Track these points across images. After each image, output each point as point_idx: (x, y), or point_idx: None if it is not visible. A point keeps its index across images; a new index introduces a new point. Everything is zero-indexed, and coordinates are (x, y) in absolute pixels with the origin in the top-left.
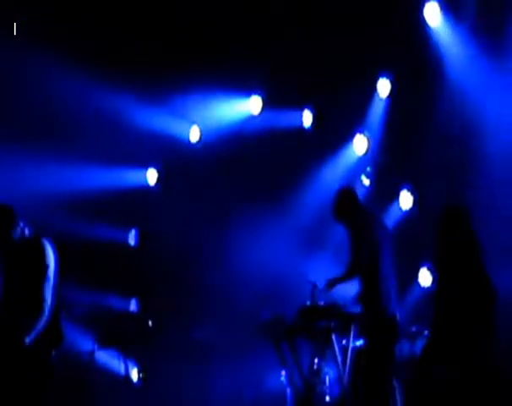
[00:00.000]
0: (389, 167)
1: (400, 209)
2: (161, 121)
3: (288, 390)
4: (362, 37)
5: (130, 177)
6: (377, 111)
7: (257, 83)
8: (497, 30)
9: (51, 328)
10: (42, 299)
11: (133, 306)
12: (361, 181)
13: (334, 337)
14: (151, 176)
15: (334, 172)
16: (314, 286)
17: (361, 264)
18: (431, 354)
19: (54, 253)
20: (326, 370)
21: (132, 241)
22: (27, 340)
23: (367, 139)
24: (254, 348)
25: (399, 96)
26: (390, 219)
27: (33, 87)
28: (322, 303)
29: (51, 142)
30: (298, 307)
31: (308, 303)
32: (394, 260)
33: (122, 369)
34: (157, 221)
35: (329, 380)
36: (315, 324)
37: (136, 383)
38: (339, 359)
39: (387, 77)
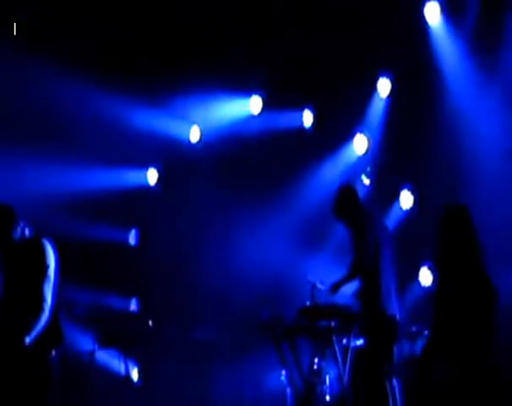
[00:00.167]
0: (390, 166)
1: (401, 208)
2: (161, 121)
3: (288, 390)
4: (362, 37)
5: (130, 177)
6: (377, 110)
7: (257, 83)
8: (496, 31)
9: (52, 328)
10: (42, 299)
11: (133, 306)
12: (361, 181)
13: (334, 336)
14: (151, 176)
15: (334, 172)
16: (314, 286)
17: (362, 263)
18: (431, 354)
19: (54, 253)
20: (326, 370)
21: (132, 241)
22: (27, 340)
23: (368, 138)
24: (254, 348)
25: (399, 96)
26: (391, 219)
27: (33, 89)
28: (322, 303)
29: (51, 143)
30: (298, 307)
31: (308, 303)
32: (394, 260)
33: (122, 369)
34: (157, 221)
35: (329, 380)
36: (315, 324)
37: (136, 383)
38: (339, 358)
39: (387, 77)
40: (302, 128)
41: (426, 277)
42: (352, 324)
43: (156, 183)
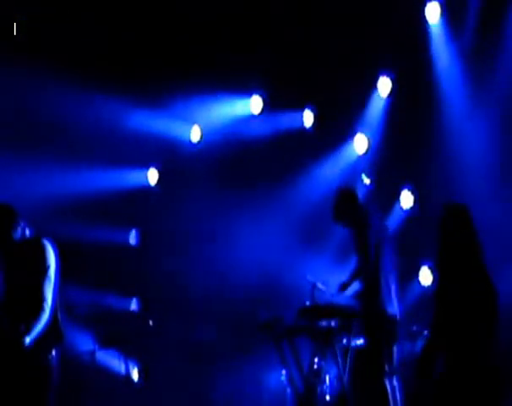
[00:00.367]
0: (390, 166)
1: (401, 208)
2: (162, 121)
3: (288, 390)
4: (362, 37)
5: (131, 177)
6: (377, 110)
7: (257, 83)
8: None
9: (52, 328)
10: (43, 299)
11: (133, 306)
12: (361, 180)
13: (334, 336)
14: (152, 176)
15: (334, 172)
16: (314, 286)
17: (368, 262)
18: (430, 354)
19: (55, 253)
20: (326, 370)
21: (132, 241)
22: (27, 340)
23: (368, 138)
24: (254, 348)
25: (399, 96)
26: (391, 218)
27: (33, 89)
28: (322, 303)
29: (51, 143)
30: (298, 307)
31: (308, 303)
32: (394, 260)
33: (122, 368)
34: (158, 221)
35: (329, 380)
36: (315, 324)
37: (136, 383)
38: (339, 358)
39: (387, 76)
40: (302, 127)
41: (426, 276)
42: (352, 324)
43: (157, 184)
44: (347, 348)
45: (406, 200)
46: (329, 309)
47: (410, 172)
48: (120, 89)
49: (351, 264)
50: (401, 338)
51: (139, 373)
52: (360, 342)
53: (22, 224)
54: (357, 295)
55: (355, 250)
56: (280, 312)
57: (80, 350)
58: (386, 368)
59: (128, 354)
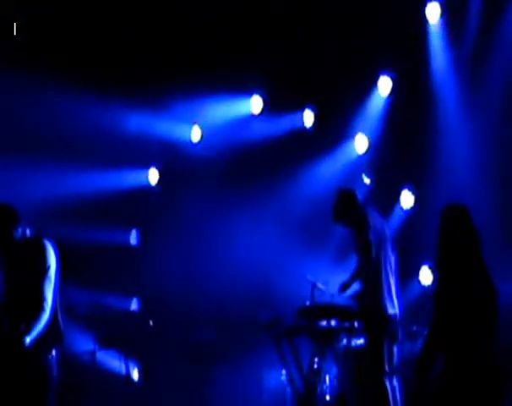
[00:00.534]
0: (390, 166)
1: (401, 208)
2: (162, 121)
3: (288, 390)
4: (362, 37)
5: (131, 177)
6: (377, 110)
7: (257, 83)
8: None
9: (52, 328)
10: (43, 299)
11: (133, 306)
12: (361, 180)
13: (334, 336)
14: (152, 176)
15: (334, 172)
16: (314, 286)
17: (368, 262)
18: (429, 354)
19: (55, 253)
20: (326, 370)
21: (133, 241)
22: (28, 340)
23: (368, 138)
24: (254, 348)
25: (399, 95)
26: (391, 218)
27: (34, 90)
28: (322, 302)
29: (52, 144)
30: (298, 307)
31: (308, 303)
32: (395, 260)
33: (122, 369)
34: (158, 221)
35: (329, 380)
36: (315, 324)
37: (137, 383)
38: (339, 358)
39: (388, 76)
40: (302, 127)
41: (426, 276)
42: (352, 324)
43: (157, 184)
44: (347, 347)
45: (407, 199)
46: (329, 309)
47: (410, 172)
48: (120, 89)
49: (352, 264)
50: (402, 338)
51: (139, 373)
52: (360, 341)
53: (22, 224)
54: (358, 295)
55: (355, 250)
56: (280, 312)
57: (80, 350)
58: (386, 368)
59: (128, 354)
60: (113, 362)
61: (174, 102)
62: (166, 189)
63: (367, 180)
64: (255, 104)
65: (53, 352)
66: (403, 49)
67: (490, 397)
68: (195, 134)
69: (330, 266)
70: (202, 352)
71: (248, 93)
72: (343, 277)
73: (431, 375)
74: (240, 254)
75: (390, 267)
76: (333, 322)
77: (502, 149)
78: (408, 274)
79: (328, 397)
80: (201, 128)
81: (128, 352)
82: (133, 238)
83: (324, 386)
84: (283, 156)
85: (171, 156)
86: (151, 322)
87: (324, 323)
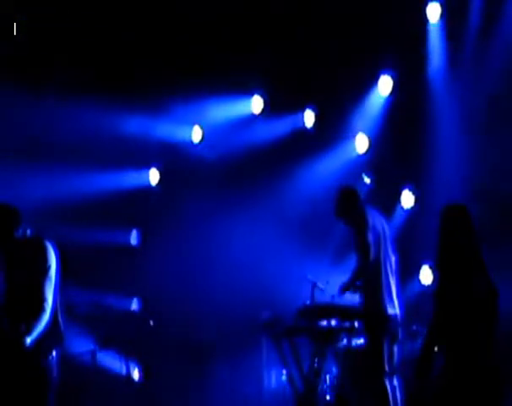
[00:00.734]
0: (391, 165)
1: (402, 208)
2: (163, 122)
3: (288, 390)
4: (362, 37)
5: (132, 177)
6: (378, 109)
7: (258, 83)
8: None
9: (52, 328)
10: (43, 300)
11: (134, 306)
12: (362, 180)
13: (334, 336)
14: (153, 176)
15: (335, 171)
16: (314, 286)
17: (368, 262)
18: (429, 354)
19: (55, 253)
20: (326, 370)
21: (133, 241)
22: (28, 340)
23: (368, 137)
24: (255, 348)
25: (400, 95)
26: (392, 218)
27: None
28: (322, 302)
29: (53, 145)
30: (298, 307)
31: (308, 303)
32: (395, 259)
33: (123, 369)
34: (159, 221)
35: (329, 379)
36: (315, 324)
37: (137, 383)
38: (339, 358)
39: (388, 75)
40: (303, 127)
41: (426, 275)
42: (352, 324)
43: (158, 184)
44: (347, 347)
45: (407, 199)
46: (330, 309)
47: (410, 172)
48: (121, 89)
49: (352, 264)
50: (402, 338)
51: (140, 373)
52: (360, 341)
53: (23, 224)
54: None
55: (355, 249)
56: (280, 312)
57: (80, 350)
58: (386, 368)
59: (128, 354)
60: (113, 362)
61: (174, 103)
62: (166, 189)
63: (367, 180)
64: (256, 104)
65: (53, 352)
66: (403, 49)
67: (490, 397)
68: (196, 135)
69: (330, 267)
70: (202, 352)
71: (249, 93)
72: (343, 277)
73: (431, 375)
74: (240, 254)
75: (391, 267)
76: (333, 322)
77: (502, 149)
78: (408, 274)
79: (328, 397)
80: (202, 128)
81: (129, 352)
82: (134, 239)
83: (324, 386)
84: (283, 156)
85: (171, 156)
86: (151, 322)
87: (324, 323)
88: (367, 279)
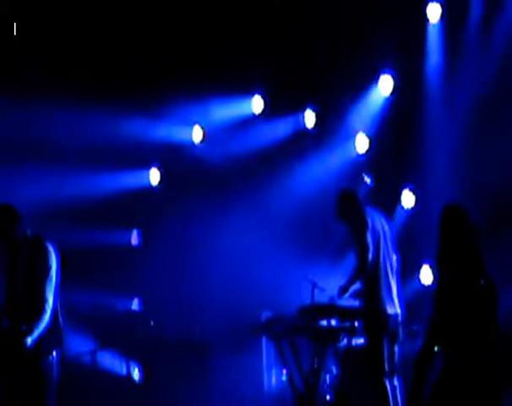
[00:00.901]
0: (391, 165)
1: (402, 207)
2: (164, 122)
3: (288, 389)
4: (362, 36)
5: (132, 177)
6: (378, 109)
7: (259, 83)
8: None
9: (53, 329)
10: (44, 300)
11: (135, 306)
12: (362, 179)
13: (334, 336)
14: (154, 177)
15: (335, 171)
16: (314, 285)
17: (367, 263)
18: (428, 354)
19: (56, 254)
20: (326, 369)
21: (134, 241)
22: (29, 341)
23: (369, 137)
24: (255, 348)
25: (400, 95)
26: (392, 218)
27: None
28: (322, 302)
29: (53, 145)
30: (298, 307)
31: (308, 303)
32: (397, 259)
33: (123, 369)
34: (159, 221)
35: (330, 379)
36: (315, 324)
37: (137, 383)
38: (339, 358)
39: (388, 75)
40: (303, 127)
41: (427, 275)
42: (353, 323)
43: (158, 184)
44: (347, 347)
45: (408, 199)
46: (330, 309)
47: (411, 172)
48: (121, 90)
49: (351, 264)
50: (402, 338)
51: (140, 373)
52: (360, 341)
53: (24, 225)
54: (358, 293)
55: (355, 250)
56: (280, 312)
57: (81, 350)
58: (386, 368)
59: (128, 354)
60: (113, 362)
61: (175, 103)
62: (167, 189)
63: (367, 180)
64: (256, 104)
65: (54, 352)
66: (403, 49)
67: (490, 397)
68: (196, 135)
69: (330, 267)
70: (202, 352)
71: (250, 93)
72: (343, 277)
73: (430, 374)
74: (240, 254)
75: (391, 267)
76: (333, 322)
77: (502, 148)
78: (409, 273)
79: (328, 397)
80: (202, 128)
81: (129, 352)
82: (134, 239)
83: (324, 386)
84: (284, 155)
85: (172, 156)
86: (152, 322)
87: (324, 323)
88: (367, 279)
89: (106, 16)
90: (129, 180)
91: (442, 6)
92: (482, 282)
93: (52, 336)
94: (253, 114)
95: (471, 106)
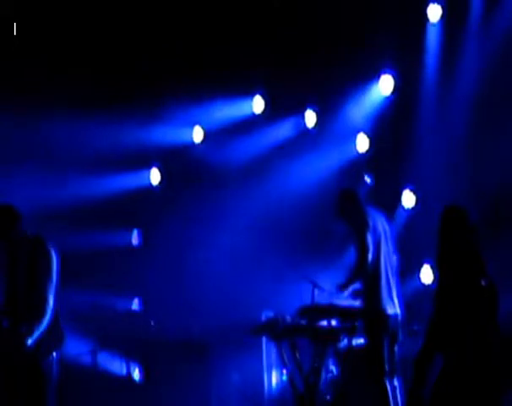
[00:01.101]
0: (392, 165)
1: (403, 207)
2: (164, 122)
3: (288, 390)
4: (362, 36)
5: (133, 177)
6: (379, 109)
7: (259, 83)
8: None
9: (53, 329)
10: (44, 300)
11: (135, 306)
12: (363, 179)
13: (334, 336)
14: (154, 177)
15: (336, 171)
16: (314, 286)
17: (367, 264)
18: (429, 353)
19: (56, 254)
20: (326, 369)
21: (134, 241)
22: (29, 341)
23: (369, 137)
24: (255, 348)
25: (401, 94)
26: (393, 217)
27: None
28: (322, 302)
29: (53, 145)
30: (298, 307)
31: (308, 303)
32: (396, 259)
33: (123, 369)
34: (160, 221)
35: (330, 379)
36: (315, 324)
37: (138, 383)
38: (339, 358)
39: (388, 75)
40: (304, 127)
41: (427, 275)
42: (353, 324)
43: (159, 184)
44: (348, 347)
45: (408, 199)
46: (330, 309)
47: (411, 172)
48: (122, 90)
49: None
50: (402, 338)
51: (140, 373)
52: (361, 340)
53: (24, 225)
54: (357, 293)
55: (355, 250)
56: (280, 312)
57: (81, 350)
58: (386, 368)
59: (128, 354)
60: (114, 362)
61: (176, 103)
62: (167, 189)
63: (367, 179)
64: (257, 104)
65: (54, 353)
66: (404, 49)
67: (490, 397)
68: (197, 135)
69: (331, 267)
70: (202, 352)
71: (250, 93)
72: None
73: (430, 374)
74: (241, 254)
75: (391, 267)
76: (333, 322)
77: (503, 148)
78: (409, 273)
79: (328, 397)
80: (203, 128)
81: (129, 352)
82: (135, 239)
83: (324, 386)
84: (285, 155)
85: (172, 156)
86: (152, 322)
87: (324, 323)
88: (367, 280)
89: (105, 16)
90: (130, 180)
91: (442, 7)
92: (482, 282)
93: (52, 336)
94: (254, 114)
95: (471, 106)
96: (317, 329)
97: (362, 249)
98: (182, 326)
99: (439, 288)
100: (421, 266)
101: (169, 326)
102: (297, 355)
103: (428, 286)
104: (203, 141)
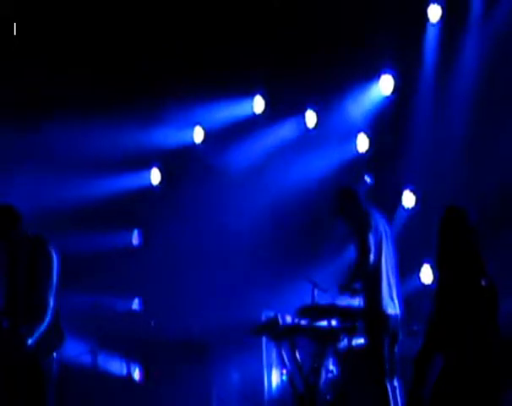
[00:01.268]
0: (392, 165)
1: (403, 207)
2: (164, 122)
3: (288, 390)
4: (362, 36)
5: (133, 177)
6: (379, 109)
7: (259, 83)
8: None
9: (53, 330)
10: (44, 301)
11: (135, 306)
12: (363, 179)
13: (334, 336)
14: (154, 176)
15: (336, 171)
16: (314, 286)
17: (368, 264)
18: (429, 353)
19: (56, 254)
20: (326, 369)
21: (135, 241)
22: (29, 341)
23: (369, 136)
24: (255, 348)
25: (401, 94)
26: (393, 217)
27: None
28: (322, 302)
29: (54, 145)
30: (298, 307)
31: (309, 302)
32: (396, 258)
33: (123, 369)
34: (160, 221)
35: (330, 379)
36: (315, 324)
37: (138, 383)
38: (339, 358)
39: (388, 75)
40: (304, 127)
41: (427, 274)
42: (353, 324)
43: (159, 184)
44: (348, 347)
45: (408, 199)
46: (330, 309)
47: (411, 172)
48: (122, 90)
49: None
50: (402, 338)
51: (140, 373)
52: (361, 340)
53: (24, 225)
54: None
55: (355, 249)
56: (280, 312)
57: (81, 350)
58: (386, 368)
59: (128, 355)
60: (114, 362)
61: (176, 103)
62: (168, 189)
63: (367, 179)
64: (257, 104)
65: (54, 353)
66: (404, 48)
67: (490, 397)
68: (197, 135)
69: (331, 267)
70: (202, 352)
71: (251, 93)
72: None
73: (430, 374)
74: (241, 253)
75: (391, 267)
76: (333, 322)
77: (503, 148)
78: (409, 272)
79: (328, 397)
80: (203, 128)
81: (129, 352)
82: (135, 239)
83: (325, 386)
84: (285, 155)
85: (173, 156)
86: (152, 322)
87: (324, 323)
88: (368, 280)
89: (105, 16)
90: (130, 180)
91: (442, 7)
92: (482, 282)
93: (52, 336)
94: (254, 114)
95: (471, 105)
96: (317, 329)
97: (364, 250)
98: (182, 326)
99: (439, 287)
100: (421, 265)
101: (169, 326)
102: (297, 355)
103: (428, 286)
104: (203, 141)
